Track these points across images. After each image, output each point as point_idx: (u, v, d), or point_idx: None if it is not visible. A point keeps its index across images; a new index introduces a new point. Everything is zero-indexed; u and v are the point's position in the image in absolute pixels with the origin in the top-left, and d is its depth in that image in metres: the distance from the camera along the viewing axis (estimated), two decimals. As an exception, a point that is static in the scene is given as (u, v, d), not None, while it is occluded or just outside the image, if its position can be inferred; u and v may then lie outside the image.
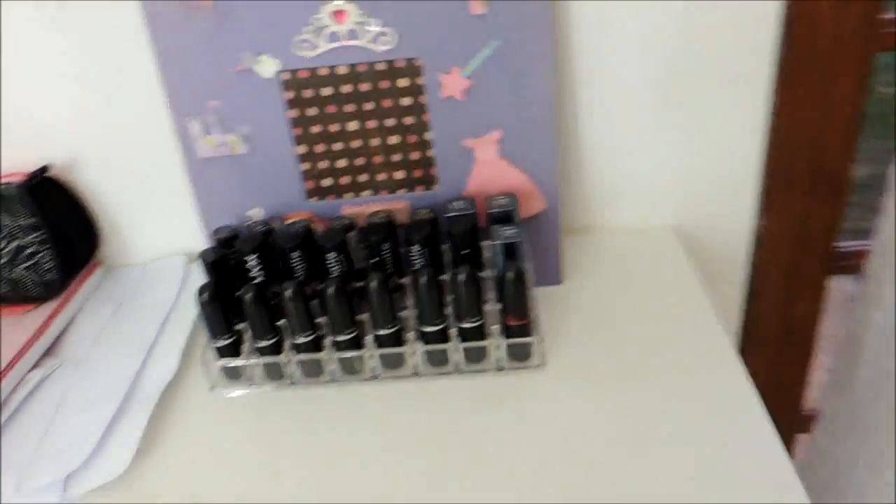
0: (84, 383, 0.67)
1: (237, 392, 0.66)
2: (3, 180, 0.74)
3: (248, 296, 0.61)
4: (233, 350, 0.65)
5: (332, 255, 0.64)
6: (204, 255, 0.65)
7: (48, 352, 0.72)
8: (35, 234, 0.74)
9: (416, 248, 0.63)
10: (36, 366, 0.69)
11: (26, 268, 0.74)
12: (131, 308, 0.77)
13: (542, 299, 0.72)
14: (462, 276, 0.60)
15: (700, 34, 0.71)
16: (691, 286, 0.72)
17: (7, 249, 0.74)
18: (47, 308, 0.75)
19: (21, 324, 0.73)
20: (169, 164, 0.75)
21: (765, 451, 0.55)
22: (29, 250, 0.74)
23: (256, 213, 0.71)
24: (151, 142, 0.75)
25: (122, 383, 0.65)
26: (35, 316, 0.74)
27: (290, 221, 0.70)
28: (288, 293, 0.61)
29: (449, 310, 0.64)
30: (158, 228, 0.83)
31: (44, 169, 0.76)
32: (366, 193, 0.71)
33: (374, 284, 0.61)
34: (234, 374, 0.66)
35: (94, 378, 0.67)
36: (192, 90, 0.68)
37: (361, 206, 0.71)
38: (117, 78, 0.73)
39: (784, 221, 0.81)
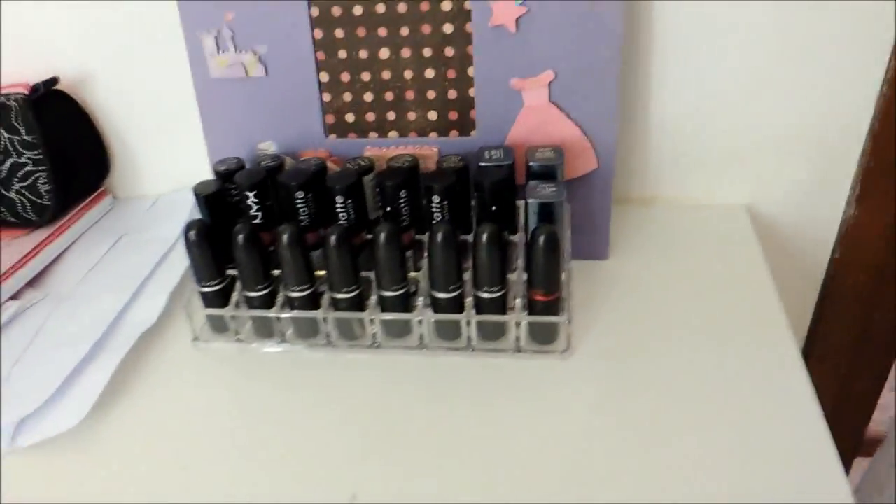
0: (62, 320, 0.60)
1: (221, 345, 0.59)
2: (7, 90, 0.68)
3: (240, 236, 0.54)
4: (222, 298, 0.57)
5: (340, 200, 0.55)
6: (199, 189, 0.57)
7: (35, 282, 0.66)
8: (33, 153, 0.67)
9: (436, 200, 0.54)
10: (16, 296, 0.63)
11: (21, 189, 0.68)
12: (131, 243, 0.70)
13: (582, 274, 0.62)
14: (484, 236, 0.51)
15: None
16: (760, 276, 0.61)
17: (1, 167, 0.68)
18: (40, 234, 0.69)
19: (9, 249, 0.67)
20: (185, 86, 0.68)
21: (823, 476, 0.44)
22: (25, 169, 0.68)
23: (268, 147, 0.63)
24: (167, 60, 0.68)
25: (100, 324, 0.58)
26: (26, 242, 0.68)
27: (304, 159, 0.62)
28: (284, 238, 0.53)
29: (468, 275, 0.54)
30: (174, 158, 0.76)
31: (52, 81, 0.69)
32: (392, 134, 0.62)
33: (382, 237, 0.52)
34: (219, 326, 0.59)
35: (73, 316, 0.60)
36: None
37: (386, 149, 0.62)
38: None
39: (880, 214, 0.69)
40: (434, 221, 0.55)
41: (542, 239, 0.50)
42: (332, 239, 0.52)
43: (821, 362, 0.82)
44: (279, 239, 0.53)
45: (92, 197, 0.74)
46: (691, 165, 0.69)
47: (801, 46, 0.62)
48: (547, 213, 0.53)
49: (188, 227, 0.54)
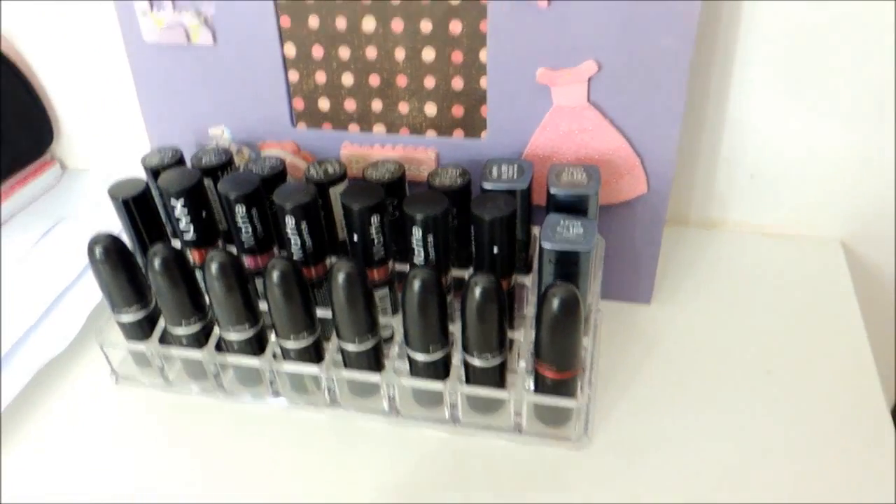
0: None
1: (144, 384, 0.46)
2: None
3: (156, 260, 0.40)
4: (145, 328, 0.44)
5: (290, 223, 0.41)
6: (114, 190, 0.44)
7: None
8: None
9: (417, 234, 0.40)
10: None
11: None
12: (68, 231, 0.58)
13: (614, 324, 0.49)
14: (477, 292, 0.37)
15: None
16: (856, 339, 0.47)
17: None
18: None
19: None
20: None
21: None
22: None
23: (221, 134, 0.50)
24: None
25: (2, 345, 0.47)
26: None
27: (267, 152, 0.49)
28: (213, 266, 0.40)
29: (458, 328, 0.41)
30: (133, 124, 0.62)
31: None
32: (378, 129, 0.48)
33: (340, 280, 0.38)
34: (143, 360, 0.46)
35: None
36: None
37: (370, 147, 0.48)
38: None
39: None
40: (413, 262, 0.41)
41: (556, 304, 0.36)
42: (274, 276, 0.39)
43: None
44: (207, 267, 0.40)
45: (32, 167, 0.62)
46: (770, 184, 0.53)
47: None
48: (567, 264, 0.39)
49: (92, 243, 0.41)
